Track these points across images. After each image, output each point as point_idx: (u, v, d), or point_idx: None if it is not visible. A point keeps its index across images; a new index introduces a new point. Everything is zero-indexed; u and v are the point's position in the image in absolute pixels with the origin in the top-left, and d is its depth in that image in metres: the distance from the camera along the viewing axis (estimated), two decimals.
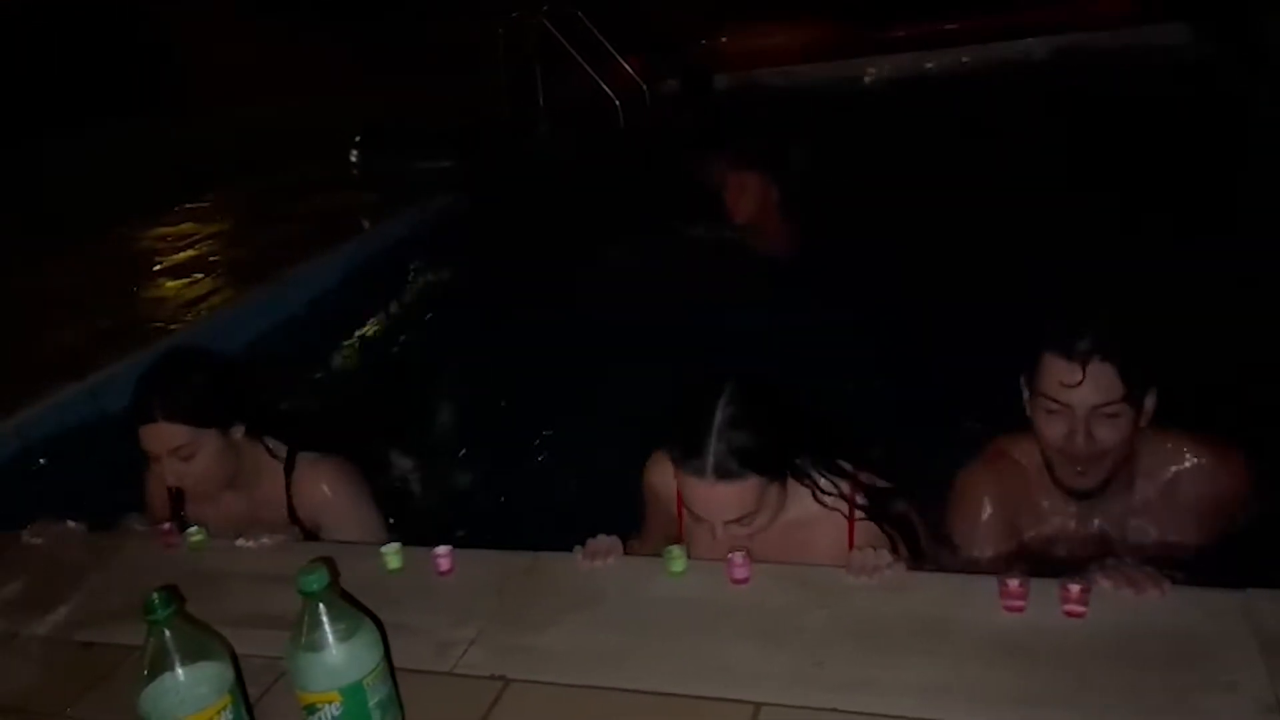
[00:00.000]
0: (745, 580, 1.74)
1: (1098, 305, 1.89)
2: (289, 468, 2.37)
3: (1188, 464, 1.97)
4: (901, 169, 5.12)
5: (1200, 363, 2.67)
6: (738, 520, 1.80)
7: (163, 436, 2.18)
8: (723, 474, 1.75)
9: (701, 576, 1.79)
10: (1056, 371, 1.80)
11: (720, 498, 1.77)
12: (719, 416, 1.76)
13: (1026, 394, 1.92)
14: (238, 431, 2.31)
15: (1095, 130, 5.41)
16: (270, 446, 2.38)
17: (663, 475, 2.07)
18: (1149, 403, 1.84)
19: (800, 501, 1.92)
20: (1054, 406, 1.82)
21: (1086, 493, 1.91)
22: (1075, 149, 5.12)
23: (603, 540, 1.90)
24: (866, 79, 8.24)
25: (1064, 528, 2.02)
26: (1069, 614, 1.54)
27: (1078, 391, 1.78)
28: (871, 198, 4.67)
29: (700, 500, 1.80)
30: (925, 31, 8.75)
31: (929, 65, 8.14)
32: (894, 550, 1.87)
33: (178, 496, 2.25)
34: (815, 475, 1.92)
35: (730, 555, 1.75)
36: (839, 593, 1.69)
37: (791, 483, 1.90)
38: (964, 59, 8.02)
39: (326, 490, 2.37)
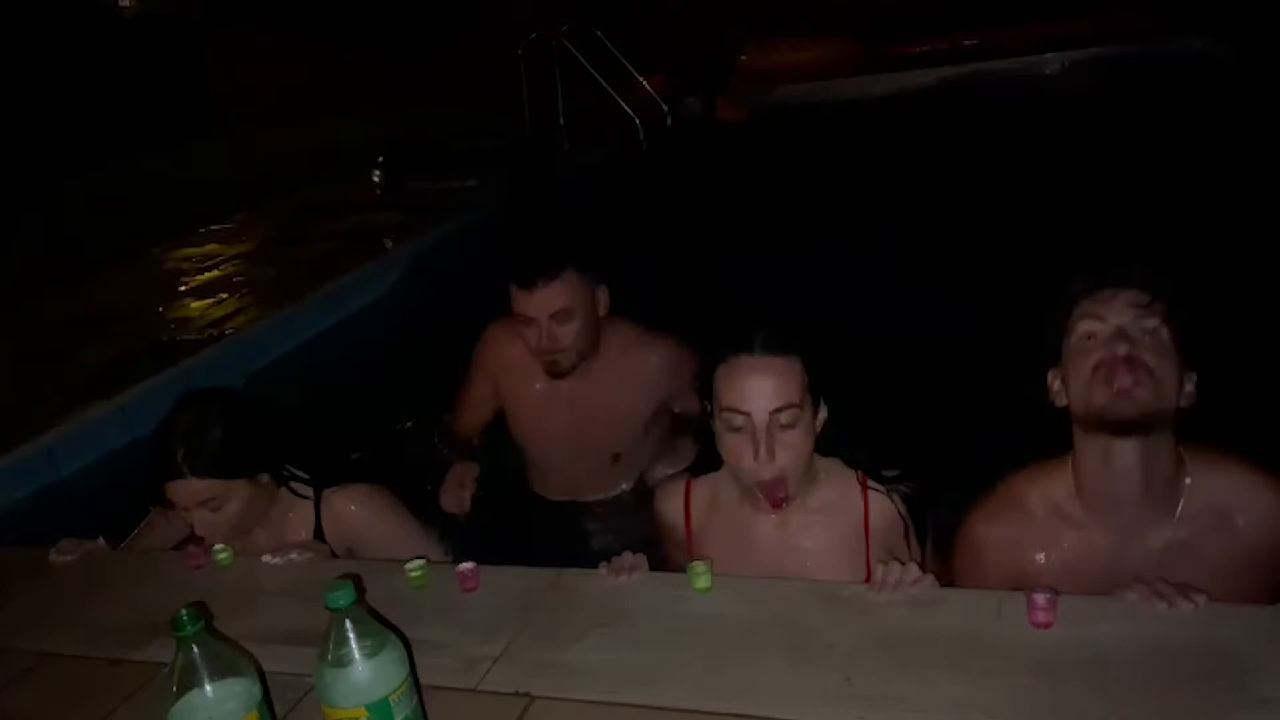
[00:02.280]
0: None
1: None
2: (316, 504, 2.33)
3: (1243, 505, 1.70)
4: (920, 188, 5.14)
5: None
6: (781, 410, 1.78)
7: (191, 491, 2.15)
8: (770, 348, 1.77)
9: (728, 593, 1.78)
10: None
11: (763, 375, 1.77)
12: (765, 318, 1.83)
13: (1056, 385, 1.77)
14: (264, 478, 2.27)
15: (1119, 145, 5.38)
16: (296, 489, 2.34)
17: (673, 505, 2.09)
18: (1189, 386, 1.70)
19: (824, 481, 1.94)
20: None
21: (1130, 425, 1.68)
22: (1100, 165, 5.09)
23: (627, 556, 1.89)
24: (886, 93, 8.24)
25: (1088, 572, 1.78)
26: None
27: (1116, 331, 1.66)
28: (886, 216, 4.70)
29: (740, 384, 1.79)
30: (943, 47, 8.75)
31: (948, 79, 8.14)
32: (906, 535, 1.89)
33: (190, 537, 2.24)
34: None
35: None
36: (867, 608, 1.67)
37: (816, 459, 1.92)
38: (984, 73, 8.01)
39: (356, 509, 2.34)
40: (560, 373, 2.71)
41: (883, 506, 1.93)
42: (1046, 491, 1.82)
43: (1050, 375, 1.80)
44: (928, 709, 1.44)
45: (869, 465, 1.96)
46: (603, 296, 2.70)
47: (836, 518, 1.94)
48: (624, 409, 2.83)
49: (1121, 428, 1.67)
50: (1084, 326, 1.70)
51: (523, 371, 2.84)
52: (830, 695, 1.49)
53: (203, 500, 2.16)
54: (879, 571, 1.72)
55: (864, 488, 1.94)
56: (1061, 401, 1.78)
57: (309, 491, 2.34)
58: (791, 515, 1.94)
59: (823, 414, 1.90)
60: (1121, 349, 1.65)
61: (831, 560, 1.92)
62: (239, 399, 2.49)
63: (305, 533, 2.32)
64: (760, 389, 1.78)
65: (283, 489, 2.32)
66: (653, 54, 8.40)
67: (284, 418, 2.52)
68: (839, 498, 1.95)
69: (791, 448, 1.81)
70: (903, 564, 1.72)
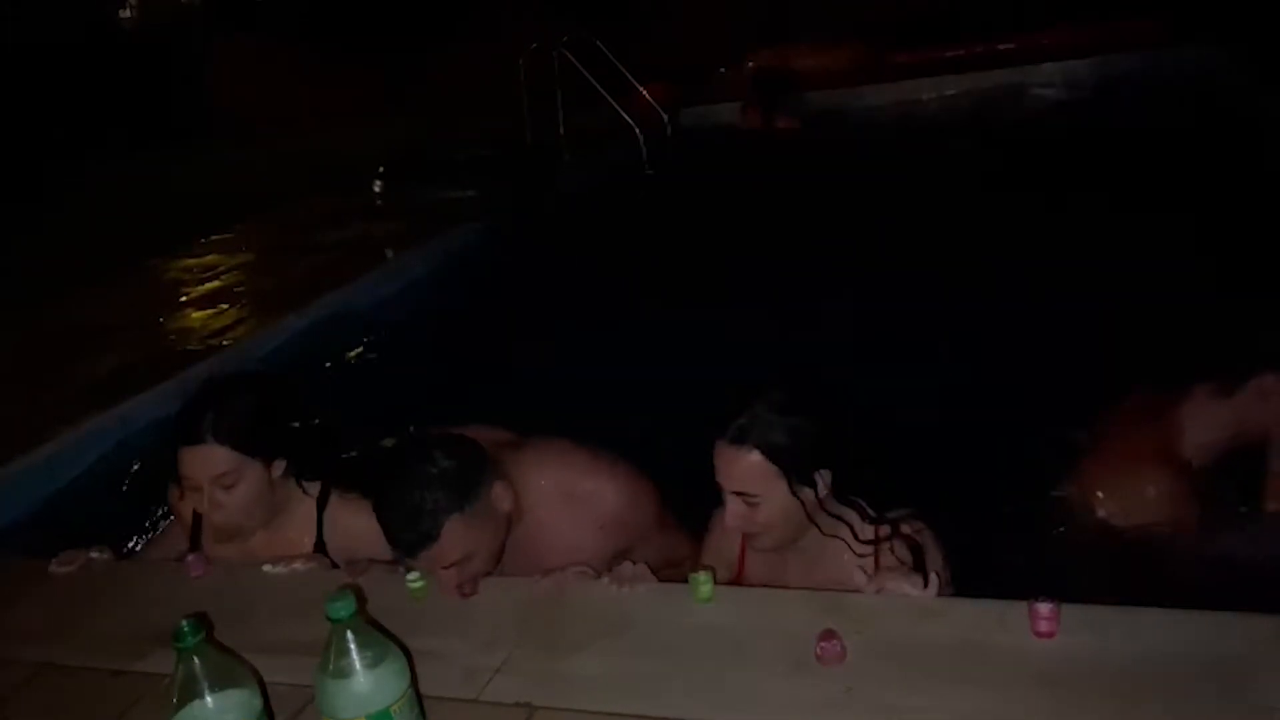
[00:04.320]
0: None
1: None
2: (321, 505, 2.29)
3: None
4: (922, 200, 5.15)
5: None
6: (740, 495, 1.86)
7: (207, 461, 2.09)
8: (734, 440, 1.85)
9: (729, 603, 1.78)
10: None
11: (728, 463, 1.86)
12: (765, 397, 1.87)
13: None
14: (279, 468, 2.22)
15: (1121, 158, 5.37)
16: (304, 487, 2.30)
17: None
18: None
19: (835, 527, 1.92)
20: None
21: None
22: (1104, 179, 5.08)
23: (627, 566, 1.89)
24: (890, 102, 8.24)
25: None
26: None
27: None
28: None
29: (717, 464, 1.88)
30: (936, 57, 8.73)
31: (949, 91, 8.12)
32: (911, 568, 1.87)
33: (196, 526, 2.21)
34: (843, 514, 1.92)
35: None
36: (869, 618, 1.67)
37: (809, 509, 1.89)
38: (983, 84, 8.01)
39: (365, 523, 2.20)
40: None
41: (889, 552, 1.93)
42: None
43: None
44: (930, 718, 1.43)
45: (870, 517, 1.95)
46: (501, 503, 2.00)
47: (851, 560, 1.92)
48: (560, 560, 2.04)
49: None
50: None
51: None
52: (831, 705, 1.49)
53: (218, 474, 2.11)
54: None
55: (874, 542, 1.92)
56: None
57: (315, 491, 2.30)
58: (815, 557, 1.95)
59: (824, 479, 1.89)
60: None
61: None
62: (275, 381, 2.47)
63: (307, 539, 2.27)
64: (727, 473, 1.88)
65: (291, 484, 2.28)
66: (654, 59, 8.41)
67: (312, 409, 2.45)
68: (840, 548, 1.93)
69: (754, 520, 1.89)
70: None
